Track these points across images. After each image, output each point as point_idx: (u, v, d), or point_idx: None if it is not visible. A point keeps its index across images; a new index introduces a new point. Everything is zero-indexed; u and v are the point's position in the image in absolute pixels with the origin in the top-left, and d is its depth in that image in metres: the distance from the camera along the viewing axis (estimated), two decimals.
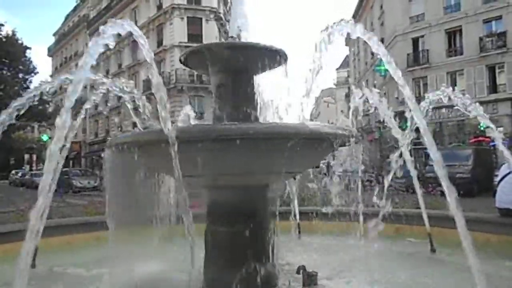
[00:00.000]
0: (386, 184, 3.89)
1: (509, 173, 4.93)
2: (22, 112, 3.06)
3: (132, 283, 3.59)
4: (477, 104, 3.94)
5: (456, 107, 4.01)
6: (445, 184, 2.62)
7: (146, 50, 2.77)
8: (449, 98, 3.91)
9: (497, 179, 5.61)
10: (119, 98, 3.85)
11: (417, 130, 3.28)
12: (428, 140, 2.81)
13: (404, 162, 4.45)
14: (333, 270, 3.89)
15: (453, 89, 4.01)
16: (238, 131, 2.70)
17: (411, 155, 4.45)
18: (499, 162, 15.14)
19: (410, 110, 3.13)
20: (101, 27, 2.63)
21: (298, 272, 3.32)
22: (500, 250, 4.52)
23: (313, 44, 3.17)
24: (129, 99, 3.83)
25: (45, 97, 3.40)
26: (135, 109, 4.03)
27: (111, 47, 2.72)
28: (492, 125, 4.01)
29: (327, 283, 3.54)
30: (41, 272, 4.09)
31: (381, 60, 3.26)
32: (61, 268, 4.38)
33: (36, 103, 3.19)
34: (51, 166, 2.44)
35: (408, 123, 3.61)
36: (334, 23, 3.17)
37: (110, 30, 2.64)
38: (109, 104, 36.28)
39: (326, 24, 3.13)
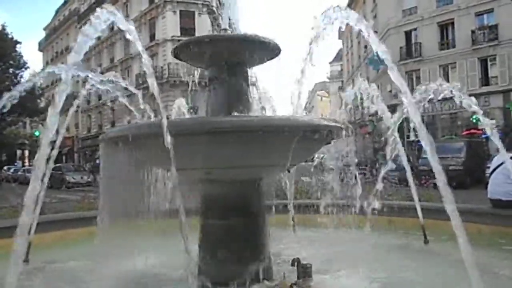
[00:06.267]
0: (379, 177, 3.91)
1: (501, 164, 4.97)
2: (9, 105, 3.01)
3: (126, 278, 3.59)
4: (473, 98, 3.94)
5: (448, 100, 4.01)
6: (440, 179, 2.61)
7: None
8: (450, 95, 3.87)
9: (489, 170, 5.66)
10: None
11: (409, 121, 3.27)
12: (422, 134, 2.78)
13: (398, 155, 4.48)
14: (327, 262, 3.91)
15: (446, 82, 3.99)
16: (231, 124, 2.69)
17: (404, 148, 4.47)
18: (491, 154, 15.28)
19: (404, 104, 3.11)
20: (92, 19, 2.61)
21: (293, 265, 3.33)
22: (492, 241, 4.57)
23: (307, 36, 3.15)
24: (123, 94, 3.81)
25: (36, 92, 3.35)
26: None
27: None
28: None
29: (321, 275, 3.55)
30: (34, 267, 4.07)
31: (375, 53, 3.25)
32: (54, 263, 4.36)
33: (25, 95, 3.13)
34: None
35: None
36: (331, 8, 3.13)
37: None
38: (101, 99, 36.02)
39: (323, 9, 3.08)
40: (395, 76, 2.80)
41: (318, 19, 3.12)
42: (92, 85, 3.64)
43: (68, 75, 2.49)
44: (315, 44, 3.20)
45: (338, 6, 3.04)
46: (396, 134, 4.26)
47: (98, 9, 2.62)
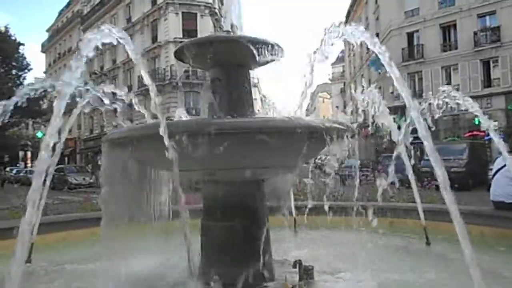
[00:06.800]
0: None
1: (503, 166, 4.96)
2: (10, 111, 3.02)
3: (128, 279, 3.59)
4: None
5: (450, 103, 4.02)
6: (442, 181, 2.59)
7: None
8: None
9: (491, 172, 5.64)
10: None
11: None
12: (425, 138, 2.74)
13: (400, 157, 4.48)
14: (329, 264, 3.91)
15: (448, 84, 4.00)
16: (233, 125, 2.69)
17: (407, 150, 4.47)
18: (494, 156, 15.25)
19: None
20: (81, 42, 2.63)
21: (294, 266, 3.33)
22: (495, 243, 4.55)
23: (307, 38, 3.16)
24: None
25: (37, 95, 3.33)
26: (130, 105, 4.01)
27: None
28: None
29: (323, 277, 3.55)
30: (36, 267, 4.08)
31: (376, 55, 3.23)
32: (57, 263, 4.37)
33: (27, 99, 3.14)
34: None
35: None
36: (329, 27, 3.15)
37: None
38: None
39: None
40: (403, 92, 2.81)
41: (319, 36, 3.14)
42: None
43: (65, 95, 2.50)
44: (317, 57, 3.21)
45: (336, 24, 3.05)
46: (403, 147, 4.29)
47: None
